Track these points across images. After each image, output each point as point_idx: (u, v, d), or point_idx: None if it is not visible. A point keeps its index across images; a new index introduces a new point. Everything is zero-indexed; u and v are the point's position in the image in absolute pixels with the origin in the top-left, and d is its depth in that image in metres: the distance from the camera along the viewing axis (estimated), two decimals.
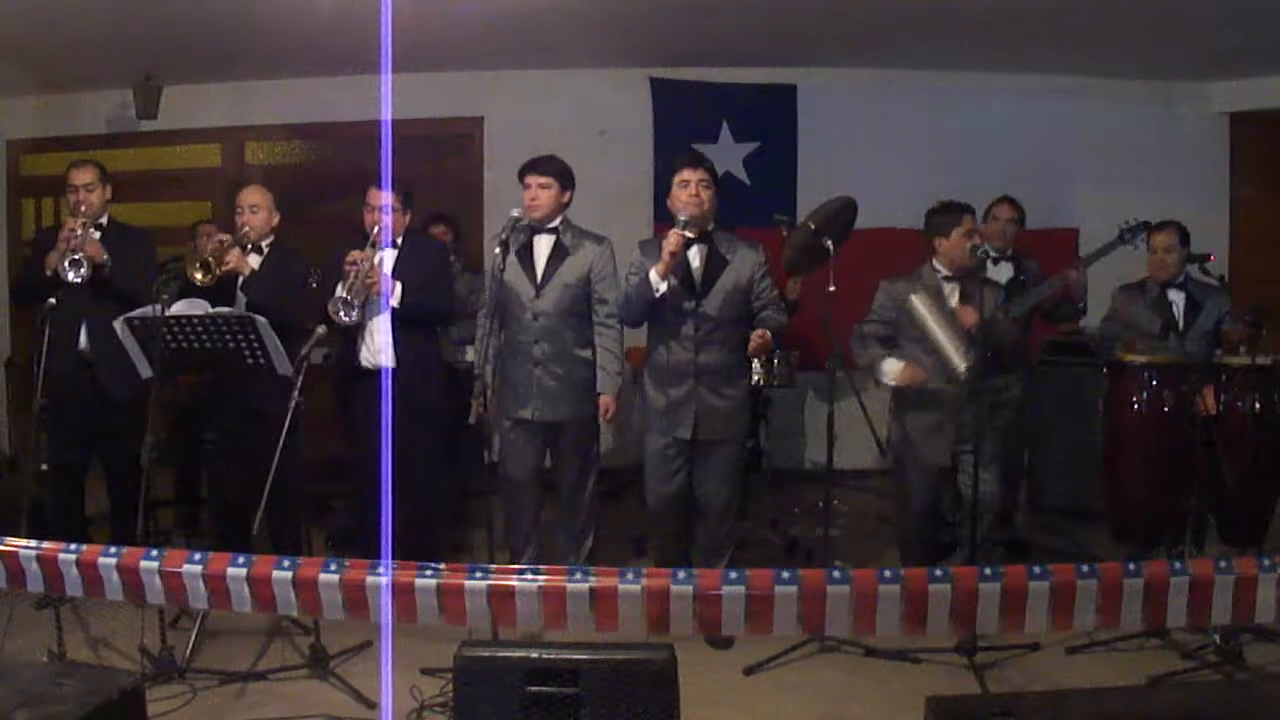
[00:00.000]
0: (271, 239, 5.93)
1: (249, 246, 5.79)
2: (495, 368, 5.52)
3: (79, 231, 5.51)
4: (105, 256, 5.56)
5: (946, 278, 5.48)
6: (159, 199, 8.99)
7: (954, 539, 5.82)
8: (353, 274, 5.46)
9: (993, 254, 6.31)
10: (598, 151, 8.39)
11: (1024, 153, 8.46)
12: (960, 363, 5.19)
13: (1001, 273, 6.35)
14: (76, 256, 5.44)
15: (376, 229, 5.57)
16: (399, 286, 5.63)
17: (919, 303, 5.28)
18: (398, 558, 3.23)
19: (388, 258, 5.69)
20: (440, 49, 7.79)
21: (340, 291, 5.45)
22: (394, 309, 5.65)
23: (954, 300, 5.43)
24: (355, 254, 5.50)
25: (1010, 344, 5.67)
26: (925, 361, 5.38)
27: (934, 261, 5.52)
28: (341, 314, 5.41)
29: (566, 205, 5.53)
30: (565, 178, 5.48)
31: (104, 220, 5.82)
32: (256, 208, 5.84)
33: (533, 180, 5.43)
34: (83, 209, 5.69)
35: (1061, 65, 8.39)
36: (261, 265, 5.79)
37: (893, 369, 5.48)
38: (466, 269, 7.03)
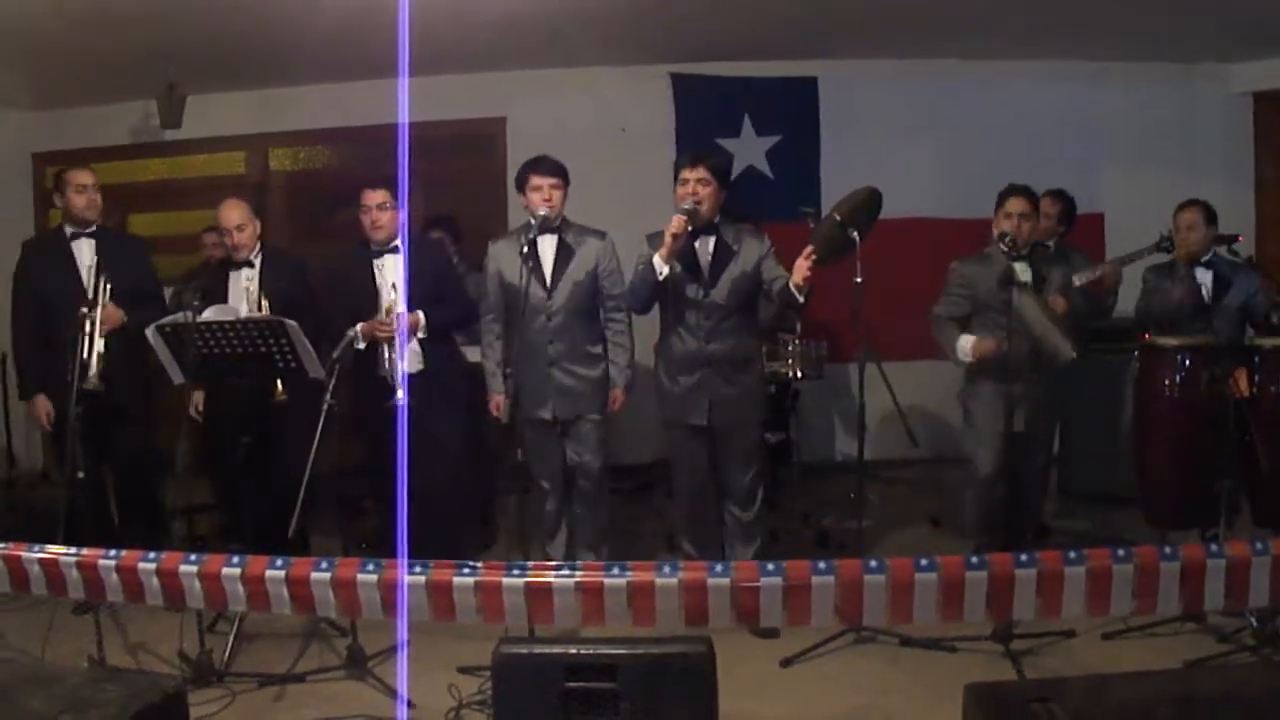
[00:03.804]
0: (259, 249, 5.95)
1: (239, 262, 5.86)
2: (506, 371, 5.59)
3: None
4: (121, 316, 5.65)
5: (1013, 257, 5.47)
6: (184, 208, 9.00)
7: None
8: (383, 340, 5.54)
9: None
10: (620, 148, 8.41)
11: (1047, 138, 8.43)
12: (1069, 350, 5.22)
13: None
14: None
15: (386, 306, 5.59)
16: (423, 316, 5.67)
17: (1022, 301, 5.26)
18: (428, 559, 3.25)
19: (396, 264, 5.72)
20: (461, 51, 7.81)
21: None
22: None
23: (1024, 276, 5.43)
24: (381, 323, 5.55)
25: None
26: (996, 338, 5.40)
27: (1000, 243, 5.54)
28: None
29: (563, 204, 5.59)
30: (567, 176, 5.52)
31: (94, 228, 5.93)
32: (243, 226, 5.84)
33: (544, 181, 5.44)
34: (93, 212, 5.88)
35: (1082, 50, 8.36)
36: (262, 278, 5.81)
37: (965, 346, 5.54)
38: (472, 270, 7.01)
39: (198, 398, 5.87)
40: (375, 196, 5.68)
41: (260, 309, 5.58)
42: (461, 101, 8.60)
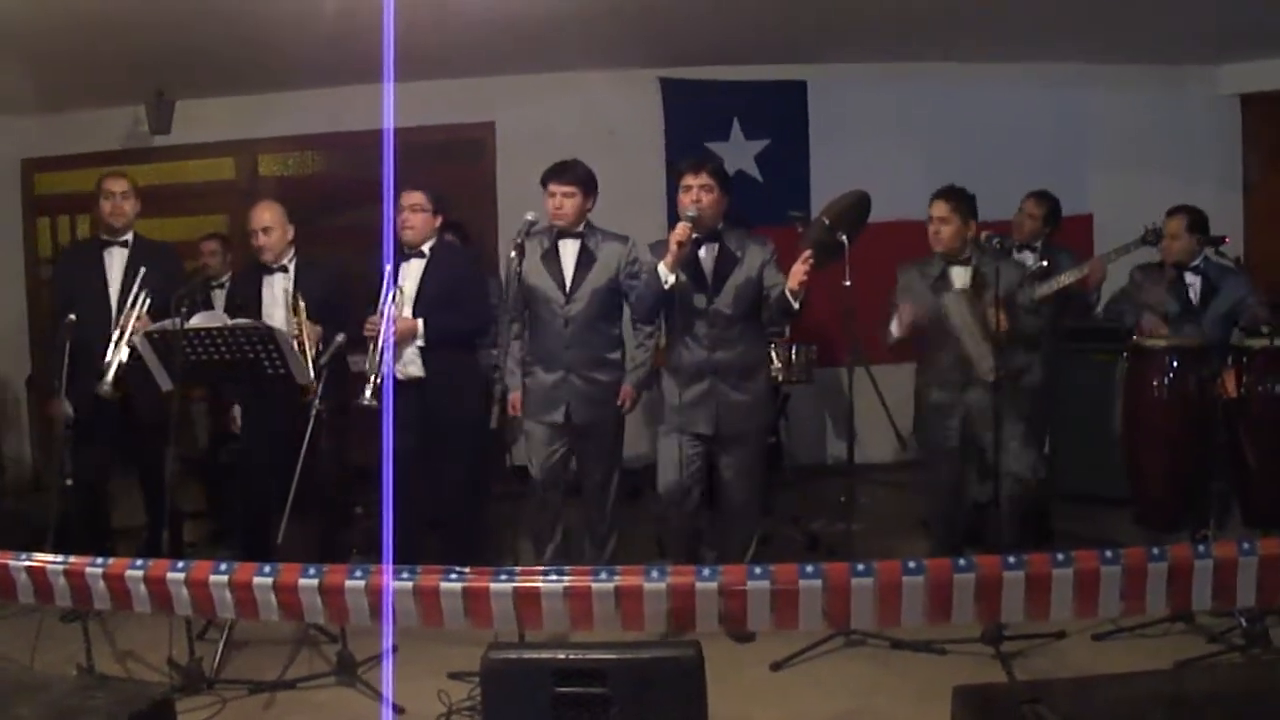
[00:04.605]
0: (293, 254, 5.86)
1: (273, 267, 5.80)
2: (523, 372, 5.59)
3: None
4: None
5: (950, 261, 5.47)
6: (174, 213, 8.98)
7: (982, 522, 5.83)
8: (371, 344, 5.44)
9: (1016, 245, 6.40)
10: (608, 152, 8.39)
11: (1035, 140, 8.47)
12: (987, 370, 5.18)
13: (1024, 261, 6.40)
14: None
15: (390, 296, 5.50)
16: (421, 324, 5.64)
17: (951, 304, 5.27)
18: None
19: (416, 269, 5.71)
20: (450, 56, 7.82)
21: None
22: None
23: (961, 281, 5.42)
24: (371, 323, 5.47)
25: (1026, 332, 5.65)
26: (915, 301, 5.43)
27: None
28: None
29: (590, 210, 5.55)
30: (589, 184, 5.49)
31: (129, 236, 5.92)
32: (270, 228, 5.75)
33: (557, 189, 5.44)
34: (119, 220, 5.88)
35: (1070, 52, 8.37)
36: (295, 286, 5.73)
37: (891, 324, 5.51)
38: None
39: (235, 412, 5.87)
40: (409, 198, 5.68)
41: (297, 314, 5.54)
42: (450, 107, 8.61)
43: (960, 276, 5.41)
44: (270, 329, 5.00)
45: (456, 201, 8.20)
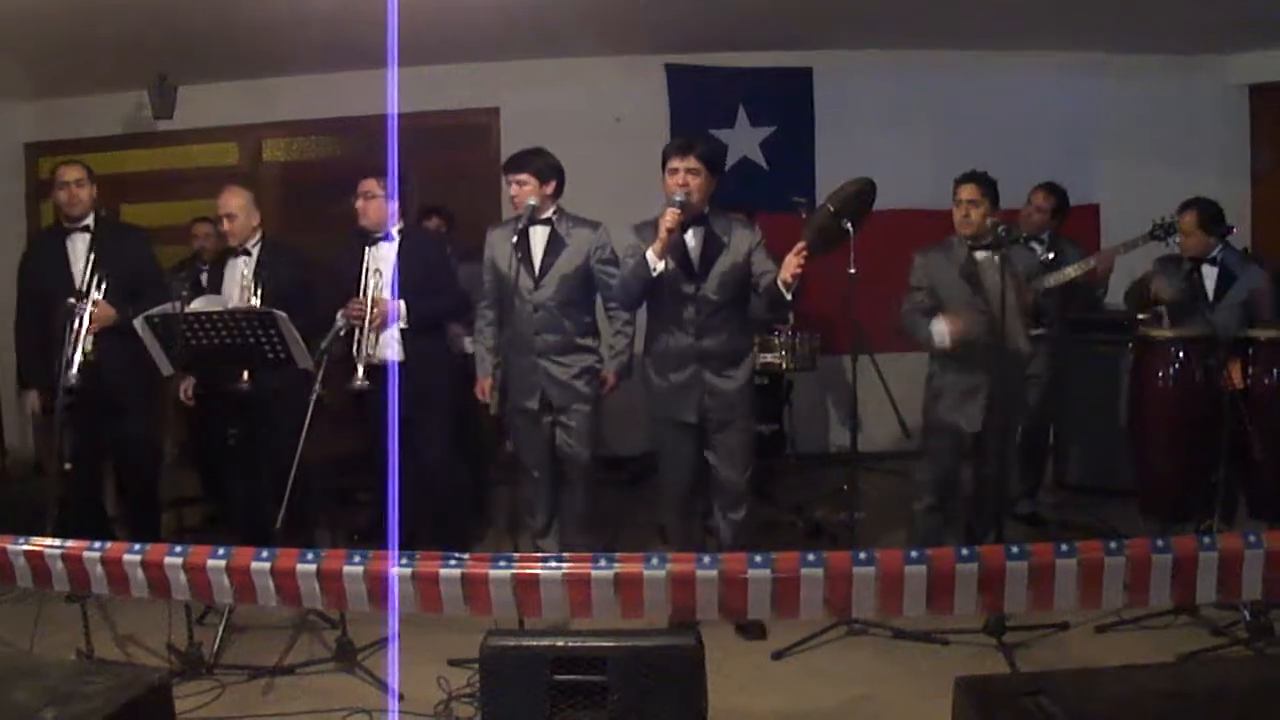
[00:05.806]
0: (259, 239, 5.90)
1: (237, 251, 5.84)
2: (501, 358, 5.62)
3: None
4: (113, 314, 5.63)
5: (973, 246, 5.42)
6: (177, 198, 8.99)
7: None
8: (356, 326, 5.48)
9: (1023, 236, 6.36)
10: (614, 139, 8.38)
11: (1043, 130, 8.43)
12: (1026, 344, 5.15)
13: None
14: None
15: (373, 285, 5.54)
16: (403, 305, 5.66)
17: (987, 272, 5.22)
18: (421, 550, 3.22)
19: (388, 253, 5.72)
20: (454, 41, 7.79)
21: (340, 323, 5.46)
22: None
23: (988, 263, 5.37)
24: (355, 305, 5.50)
25: (1045, 312, 5.63)
26: (965, 314, 5.34)
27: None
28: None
29: (554, 196, 5.52)
30: (544, 172, 5.44)
31: (89, 221, 5.89)
32: (233, 215, 5.82)
33: (511, 179, 5.47)
34: (75, 208, 5.83)
35: (1079, 41, 8.34)
36: (255, 270, 5.76)
37: (940, 329, 5.35)
38: (465, 260, 6.94)
39: (187, 384, 5.88)
40: (365, 184, 5.72)
41: (254, 298, 5.54)
42: (455, 92, 8.59)
43: (986, 259, 5.36)
44: (272, 313, 4.97)
45: (459, 187, 8.21)
